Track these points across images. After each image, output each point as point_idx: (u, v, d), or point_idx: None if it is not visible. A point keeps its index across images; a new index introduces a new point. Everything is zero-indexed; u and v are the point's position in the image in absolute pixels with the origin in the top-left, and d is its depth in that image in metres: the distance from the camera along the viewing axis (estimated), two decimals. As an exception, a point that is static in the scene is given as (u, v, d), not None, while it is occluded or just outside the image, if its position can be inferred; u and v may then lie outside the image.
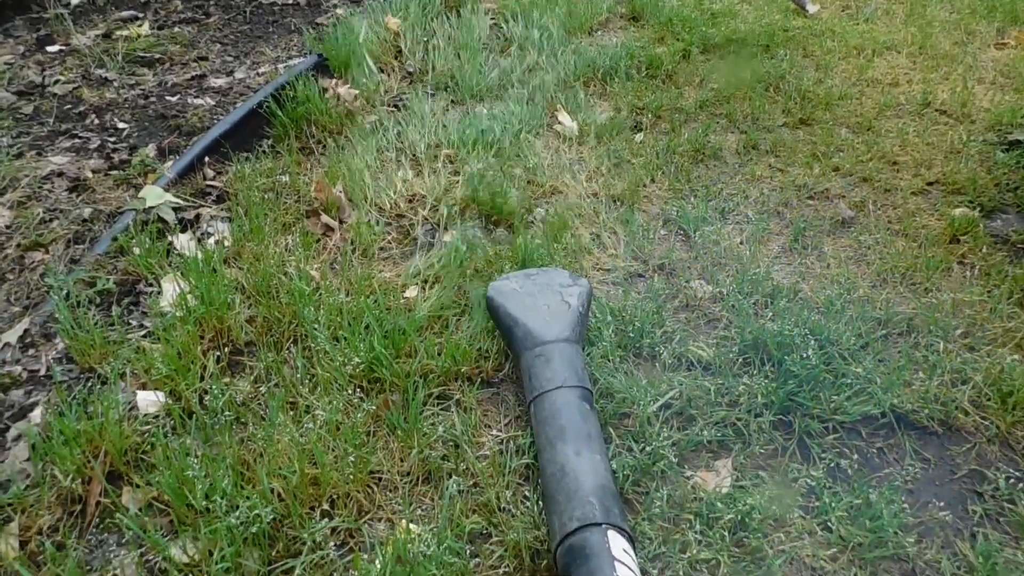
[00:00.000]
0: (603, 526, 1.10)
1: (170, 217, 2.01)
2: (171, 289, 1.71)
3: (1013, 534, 1.25)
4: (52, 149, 2.32)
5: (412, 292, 1.76)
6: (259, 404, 1.47)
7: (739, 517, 1.22)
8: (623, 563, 1.06)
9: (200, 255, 1.75)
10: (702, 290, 1.74)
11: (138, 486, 1.34)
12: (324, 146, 2.33)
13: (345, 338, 1.53)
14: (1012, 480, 1.32)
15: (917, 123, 2.49)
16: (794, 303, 1.67)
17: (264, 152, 2.29)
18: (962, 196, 2.11)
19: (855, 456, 1.37)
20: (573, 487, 1.18)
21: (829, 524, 1.24)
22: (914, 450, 1.39)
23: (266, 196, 2.05)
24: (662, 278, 1.79)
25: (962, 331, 1.62)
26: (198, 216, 2.05)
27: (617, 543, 1.08)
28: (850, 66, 2.88)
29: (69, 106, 2.57)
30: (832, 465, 1.34)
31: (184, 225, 2.00)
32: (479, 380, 1.52)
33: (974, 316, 1.65)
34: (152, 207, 2.01)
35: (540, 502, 1.26)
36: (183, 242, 1.91)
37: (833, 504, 1.25)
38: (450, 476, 1.33)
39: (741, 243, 1.91)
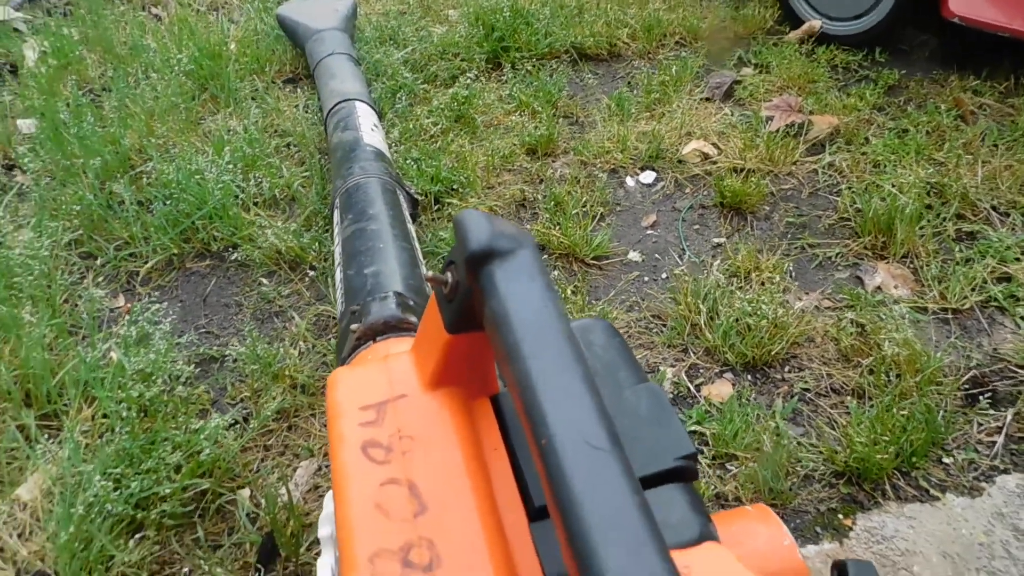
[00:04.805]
0: (354, 100, 1.66)
1: (23, 27, 2.40)
2: (31, 55, 2.13)
3: (637, 91, 1.89)
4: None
5: (233, 46, 2.25)
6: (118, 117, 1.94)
7: (457, 104, 1.80)
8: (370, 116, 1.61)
9: (52, 23, 2.18)
10: (453, 15, 2.30)
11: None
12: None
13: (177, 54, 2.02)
14: (647, 71, 1.96)
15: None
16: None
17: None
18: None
19: (550, 76, 1.97)
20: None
21: (513, 95, 1.85)
22: (590, 70, 2.01)
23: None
24: (422, 10, 2.34)
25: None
26: (46, 23, 2.45)
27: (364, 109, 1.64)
28: None
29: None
30: (529, 80, 1.94)
31: (36, 30, 2.40)
32: (280, 77, 2.04)
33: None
34: (5, 21, 2.40)
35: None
36: (33, 43, 2.31)
37: (519, 91, 1.86)
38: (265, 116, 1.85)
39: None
